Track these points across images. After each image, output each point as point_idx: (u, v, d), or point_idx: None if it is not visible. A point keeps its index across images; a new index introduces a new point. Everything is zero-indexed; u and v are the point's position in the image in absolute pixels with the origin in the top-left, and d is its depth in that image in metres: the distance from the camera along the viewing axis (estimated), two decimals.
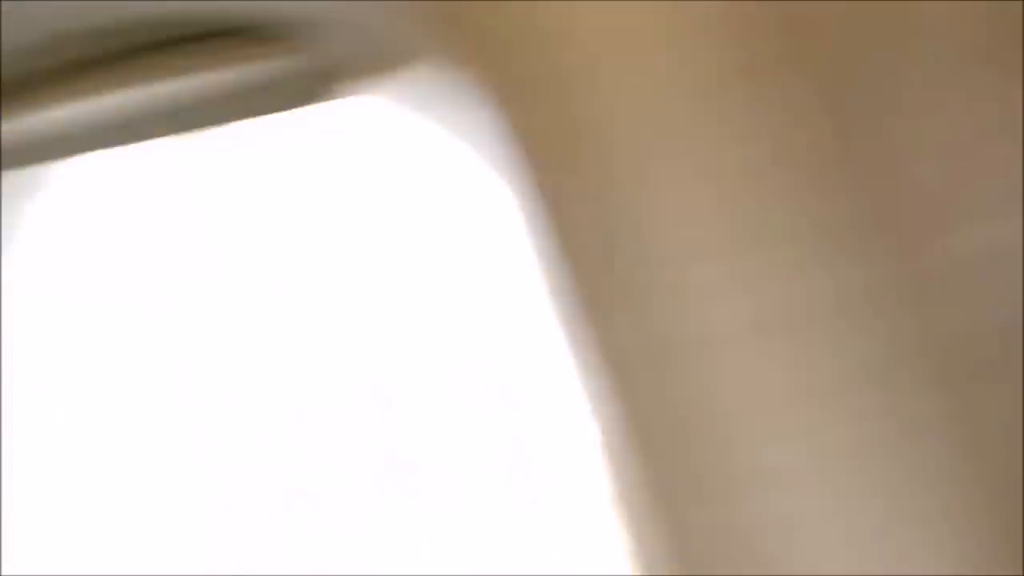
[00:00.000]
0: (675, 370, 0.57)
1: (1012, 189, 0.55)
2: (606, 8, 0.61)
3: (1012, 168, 0.55)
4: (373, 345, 1.04)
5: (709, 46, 0.57)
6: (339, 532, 1.09)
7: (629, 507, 0.61)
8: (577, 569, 0.96)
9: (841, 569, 0.54)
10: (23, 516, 1.18)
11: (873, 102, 0.55)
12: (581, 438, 0.91)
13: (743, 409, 0.56)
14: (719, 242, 0.57)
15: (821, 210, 0.55)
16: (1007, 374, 0.54)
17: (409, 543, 1.05)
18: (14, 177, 1.09)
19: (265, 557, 1.12)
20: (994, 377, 0.55)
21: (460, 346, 1.00)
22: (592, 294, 0.59)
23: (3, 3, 0.81)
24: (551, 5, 0.61)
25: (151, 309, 1.15)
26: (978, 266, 0.54)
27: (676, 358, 0.57)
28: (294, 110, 0.81)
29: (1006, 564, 0.54)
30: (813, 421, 0.55)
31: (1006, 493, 0.55)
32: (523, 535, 1.00)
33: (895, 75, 0.55)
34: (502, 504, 1.02)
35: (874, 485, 0.54)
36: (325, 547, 1.10)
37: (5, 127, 0.96)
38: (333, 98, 0.80)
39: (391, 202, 1.00)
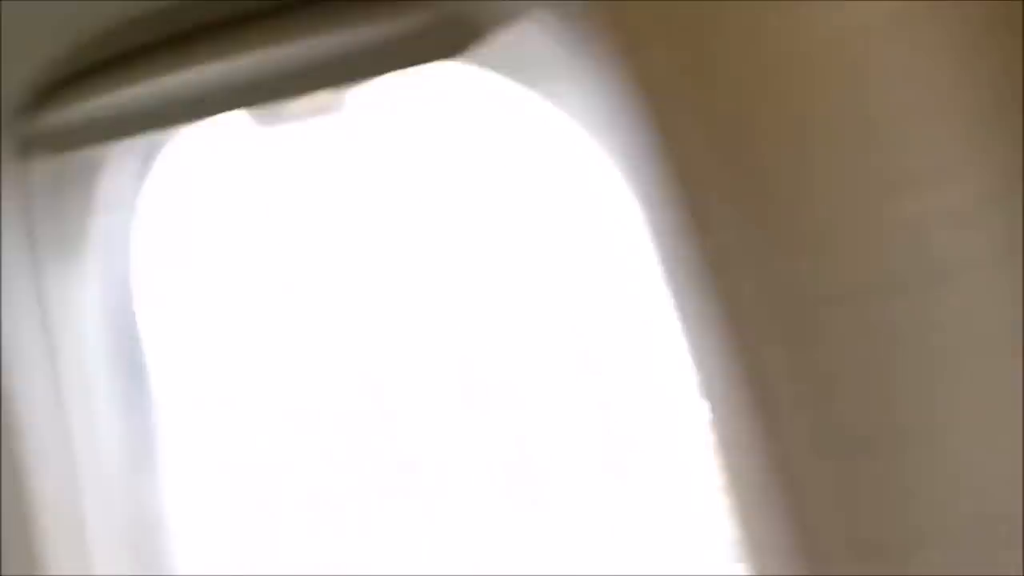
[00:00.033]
0: (880, 311, 0.56)
1: None
2: None
3: None
4: (473, 307, 1.07)
5: None
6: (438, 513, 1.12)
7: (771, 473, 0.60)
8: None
9: None
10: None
11: None
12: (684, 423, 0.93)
13: (949, 348, 0.55)
14: (926, 174, 0.55)
15: None
16: None
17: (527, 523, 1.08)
18: (144, 143, 1.13)
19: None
20: None
21: (562, 316, 1.03)
22: (750, 246, 0.60)
23: None
24: None
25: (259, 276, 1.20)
26: None
27: (875, 299, 0.56)
28: (414, 69, 0.84)
29: None
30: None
31: None
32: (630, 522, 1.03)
33: None
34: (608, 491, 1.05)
35: None
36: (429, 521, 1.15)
37: (141, 89, 1.00)
38: (447, 59, 0.81)
39: (489, 166, 1.04)
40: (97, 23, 0.99)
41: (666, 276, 0.67)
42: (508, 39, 0.75)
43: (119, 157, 1.14)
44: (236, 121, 1.01)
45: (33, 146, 1.08)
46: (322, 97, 0.97)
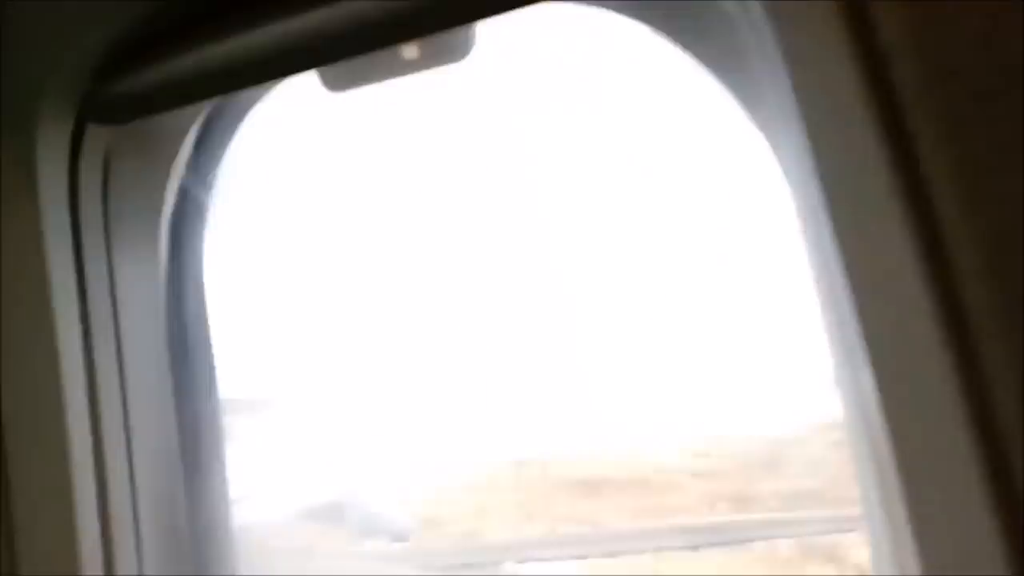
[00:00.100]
0: None
1: None
2: None
3: None
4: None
5: None
6: None
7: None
8: None
9: None
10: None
11: None
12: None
13: None
14: None
15: None
16: None
17: None
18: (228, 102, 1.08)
19: None
20: None
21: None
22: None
23: None
24: None
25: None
26: None
27: None
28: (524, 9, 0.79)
29: None
30: None
31: None
32: None
33: None
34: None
35: None
36: None
37: (221, 49, 0.95)
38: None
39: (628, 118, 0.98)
40: None
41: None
42: None
43: (196, 128, 1.09)
44: (310, 86, 0.94)
45: (111, 111, 1.03)
46: (443, 42, 0.91)
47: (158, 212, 1.16)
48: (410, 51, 0.96)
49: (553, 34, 0.98)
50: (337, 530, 4.97)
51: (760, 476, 11.08)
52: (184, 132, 1.15)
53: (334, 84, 1.02)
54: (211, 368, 1.24)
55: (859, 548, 8.50)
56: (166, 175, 1.16)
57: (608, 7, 0.86)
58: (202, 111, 1.12)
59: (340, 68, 0.99)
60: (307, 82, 1.02)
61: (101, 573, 1.05)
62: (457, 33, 0.94)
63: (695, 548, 7.94)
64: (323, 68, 0.99)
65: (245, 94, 1.10)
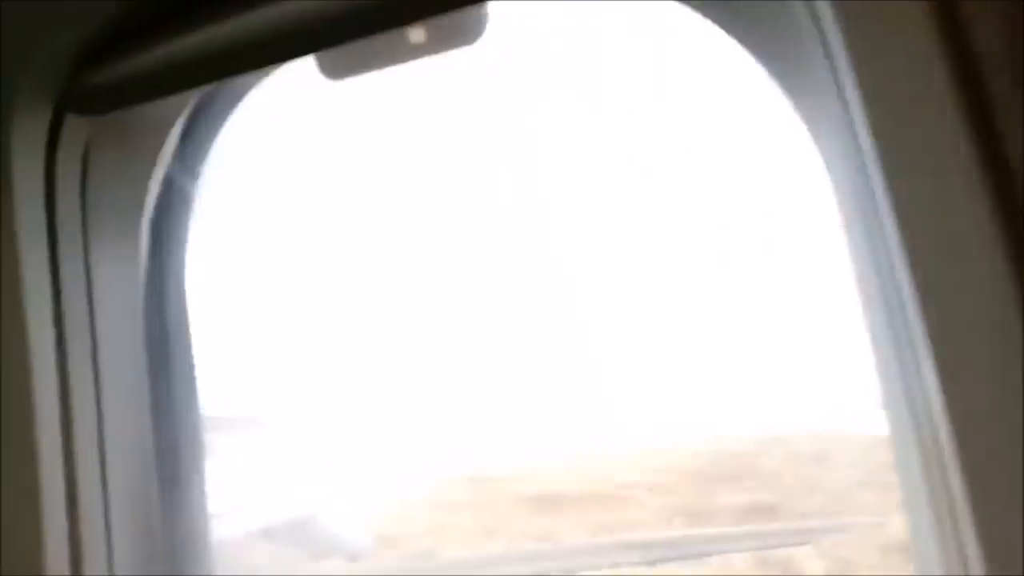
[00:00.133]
0: None
1: None
2: None
3: None
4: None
5: None
6: None
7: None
8: None
9: None
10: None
11: None
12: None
13: None
14: None
15: None
16: None
17: None
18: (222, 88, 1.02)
19: None
20: None
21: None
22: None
23: None
24: None
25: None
26: None
27: None
28: None
29: None
30: None
31: None
32: None
33: None
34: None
35: None
36: None
37: (203, 35, 0.90)
38: None
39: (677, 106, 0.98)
40: None
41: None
42: None
43: (182, 120, 1.03)
44: (307, 74, 0.89)
45: (90, 102, 0.97)
46: (455, 23, 0.87)
47: (139, 209, 1.09)
48: (417, 34, 0.90)
49: (574, 14, 0.95)
50: (294, 549, 4.84)
51: (716, 490, 11.20)
52: (169, 124, 1.09)
53: (332, 71, 0.96)
54: (190, 371, 1.18)
55: (813, 560, 8.61)
56: (149, 169, 1.09)
57: None
58: (188, 101, 1.06)
59: (339, 54, 0.93)
60: (303, 69, 0.97)
61: (68, 573, 1.00)
62: (468, 13, 0.89)
63: (652, 563, 7.98)
64: (321, 54, 0.93)
65: (235, 83, 1.05)
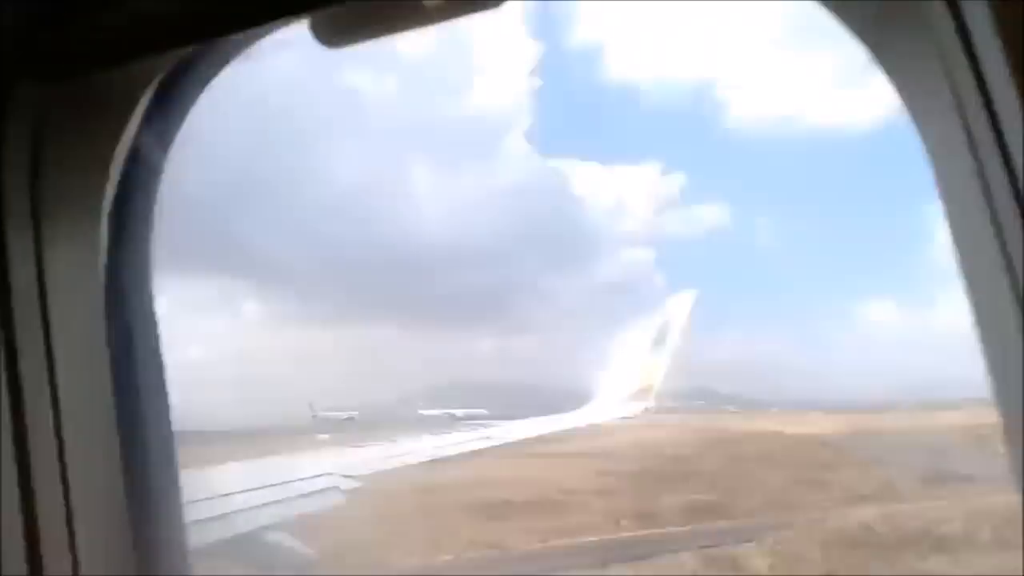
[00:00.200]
0: None
1: None
2: None
3: None
4: None
5: None
6: None
7: None
8: None
9: None
10: None
11: None
12: None
13: None
14: None
15: None
16: None
17: None
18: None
19: None
20: None
21: None
22: None
23: None
24: None
25: None
26: None
27: None
28: None
29: None
30: None
31: None
32: None
33: None
34: None
35: None
36: None
37: None
38: None
39: None
40: None
41: None
42: None
43: (152, 90, 0.92)
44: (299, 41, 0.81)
45: (51, 66, 0.85)
46: None
47: (100, 192, 0.97)
48: None
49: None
50: (239, 565, 4.66)
51: (660, 492, 11.30)
52: (136, 94, 0.97)
53: (330, 37, 0.86)
54: (159, 376, 1.08)
55: (757, 557, 8.70)
56: (112, 146, 0.97)
57: None
58: (160, 68, 0.93)
59: (337, 16, 0.84)
60: (296, 36, 0.87)
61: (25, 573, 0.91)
62: None
63: (602, 565, 7.99)
64: (317, 18, 0.84)
65: (214, 47, 0.94)
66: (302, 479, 5.97)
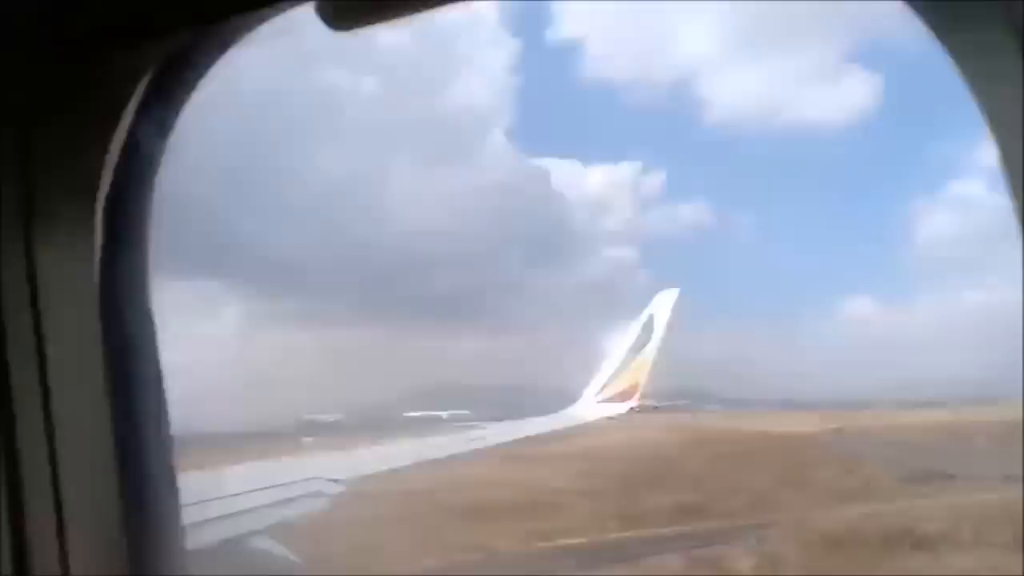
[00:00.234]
0: None
1: None
2: None
3: None
4: None
5: None
6: None
7: None
8: None
9: None
10: None
11: None
12: None
13: None
14: None
15: None
16: None
17: None
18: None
19: None
20: None
21: None
22: None
23: None
24: None
25: None
26: None
27: None
28: None
29: None
30: None
31: None
32: None
33: None
34: None
35: None
36: None
37: None
38: None
39: None
40: None
41: None
42: None
43: (150, 75, 0.88)
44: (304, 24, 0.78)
45: (42, 48, 0.82)
46: None
47: (94, 187, 0.94)
48: None
49: None
50: (221, 572, 4.62)
51: (645, 493, 11.30)
52: (134, 79, 0.93)
53: (339, 20, 0.82)
54: (157, 377, 1.05)
55: (741, 558, 8.73)
56: (109, 134, 0.93)
57: None
58: (159, 52, 0.89)
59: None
60: (301, 18, 0.83)
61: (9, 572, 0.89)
62: None
63: (588, 567, 7.99)
64: (322, 1, 0.80)
65: (215, 30, 0.89)
66: (287, 483, 5.92)
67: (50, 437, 0.93)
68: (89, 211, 0.91)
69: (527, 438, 8.99)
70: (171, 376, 1.05)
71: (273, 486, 5.76)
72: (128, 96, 0.87)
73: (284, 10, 0.80)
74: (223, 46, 0.86)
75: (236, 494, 5.34)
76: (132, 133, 0.91)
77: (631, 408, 9.59)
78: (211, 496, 4.75)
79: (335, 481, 6.41)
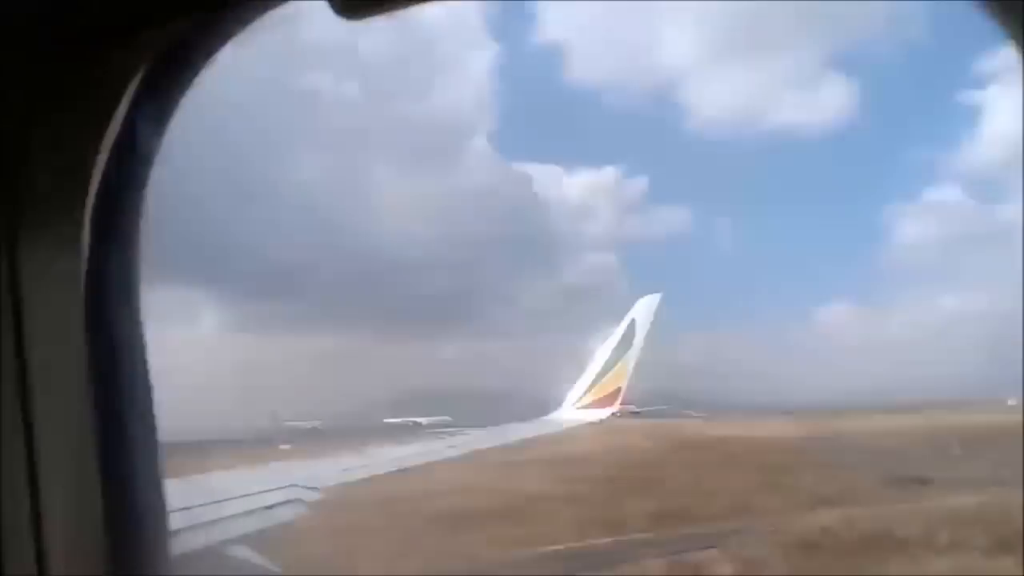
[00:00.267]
0: None
1: None
2: None
3: None
4: None
5: None
6: None
7: None
8: None
9: None
10: None
11: None
12: None
13: None
14: None
15: None
16: None
17: None
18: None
19: None
20: None
21: None
22: None
23: None
24: None
25: None
26: None
27: None
28: None
29: None
30: None
31: None
32: None
33: None
34: None
35: None
36: None
37: None
38: None
39: None
40: None
41: None
42: None
43: (143, 71, 0.85)
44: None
45: (28, 39, 0.79)
46: None
47: (84, 189, 0.90)
48: None
49: None
50: None
51: (626, 498, 11.28)
52: (127, 75, 0.89)
53: (347, 8, 0.79)
54: (144, 385, 1.02)
55: (722, 562, 8.74)
56: (97, 139, 0.89)
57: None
58: (153, 45, 0.84)
59: None
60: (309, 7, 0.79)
61: None
62: None
63: (570, 573, 7.97)
64: None
65: (212, 22, 0.86)
66: (264, 491, 5.85)
67: (29, 439, 0.90)
68: (79, 210, 0.88)
69: (507, 444, 8.97)
70: None
71: (250, 493, 5.69)
72: (121, 94, 0.84)
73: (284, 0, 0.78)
74: (221, 38, 0.82)
75: (213, 501, 5.26)
76: (125, 132, 0.88)
77: (612, 414, 9.59)
78: (187, 504, 4.68)
79: (313, 488, 6.34)
